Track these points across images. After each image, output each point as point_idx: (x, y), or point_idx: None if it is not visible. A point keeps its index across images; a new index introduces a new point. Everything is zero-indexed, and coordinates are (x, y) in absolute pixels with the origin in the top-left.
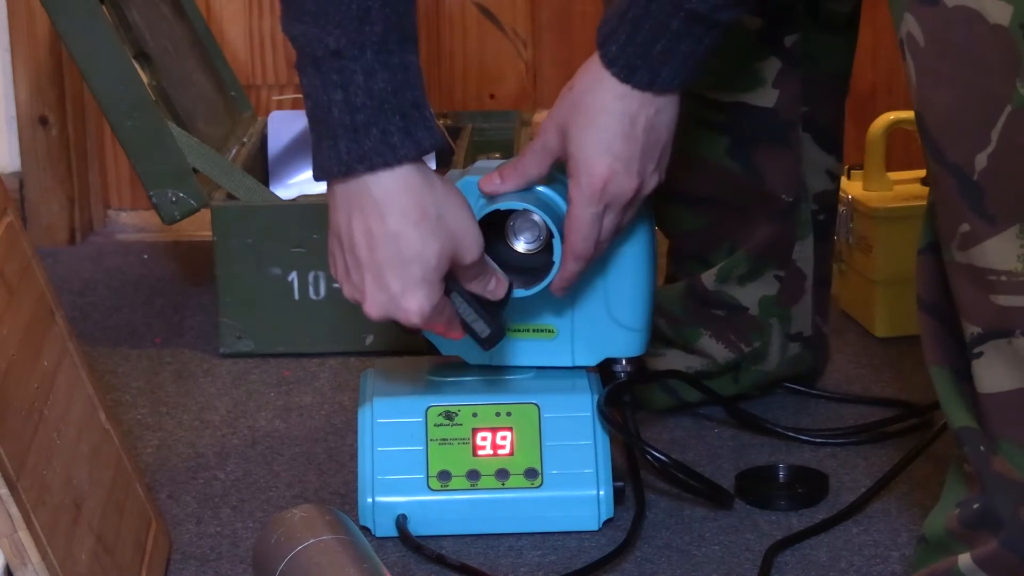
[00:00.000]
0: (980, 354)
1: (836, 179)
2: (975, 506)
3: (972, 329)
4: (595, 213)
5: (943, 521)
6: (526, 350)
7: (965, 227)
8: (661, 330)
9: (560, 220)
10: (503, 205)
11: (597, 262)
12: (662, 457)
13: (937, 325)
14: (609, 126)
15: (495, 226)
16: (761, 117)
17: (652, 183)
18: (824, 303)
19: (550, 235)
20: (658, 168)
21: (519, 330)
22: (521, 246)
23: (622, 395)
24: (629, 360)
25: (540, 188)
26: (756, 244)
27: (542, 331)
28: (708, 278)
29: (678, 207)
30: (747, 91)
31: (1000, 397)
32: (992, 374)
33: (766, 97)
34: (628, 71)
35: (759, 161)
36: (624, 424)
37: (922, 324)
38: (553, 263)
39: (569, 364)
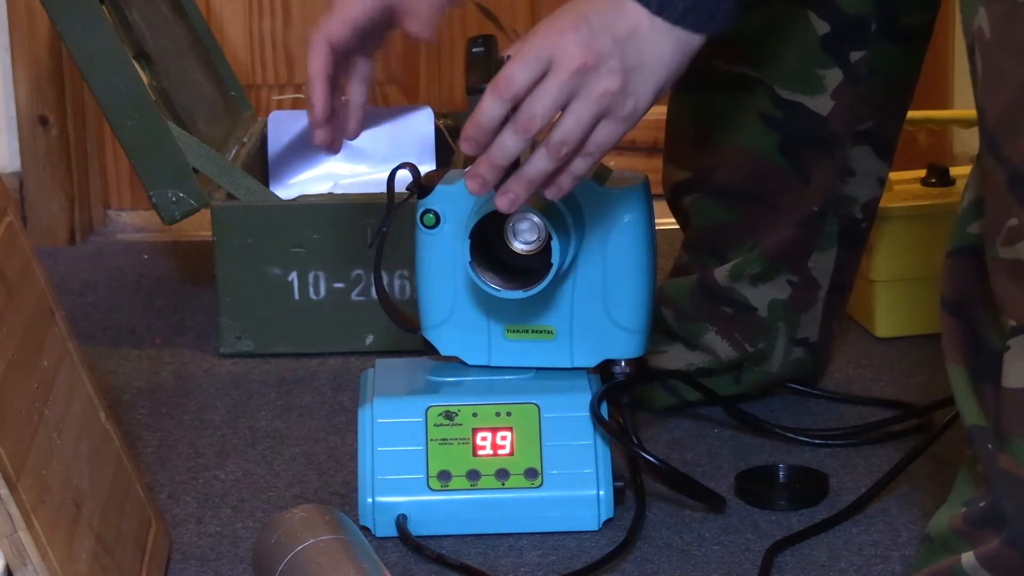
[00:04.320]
0: (1009, 348)
1: (883, 185)
2: (981, 504)
3: (1009, 323)
4: (562, 82)
5: (948, 520)
6: (525, 351)
7: (1013, 221)
8: (667, 322)
9: (559, 222)
10: None
11: (596, 262)
12: (651, 459)
13: (959, 324)
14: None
15: (494, 227)
16: (813, 122)
17: (627, 105)
18: (839, 309)
19: (549, 236)
20: (633, 94)
21: (518, 331)
22: (519, 247)
23: (620, 396)
24: (628, 361)
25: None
26: (773, 246)
27: (541, 332)
28: (720, 273)
29: (711, 200)
30: (806, 93)
31: (1021, 393)
32: (1017, 368)
33: (822, 104)
34: None
35: (808, 162)
36: (617, 425)
37: (944, 324)
38: (552, 264)
39: (568, 365)
